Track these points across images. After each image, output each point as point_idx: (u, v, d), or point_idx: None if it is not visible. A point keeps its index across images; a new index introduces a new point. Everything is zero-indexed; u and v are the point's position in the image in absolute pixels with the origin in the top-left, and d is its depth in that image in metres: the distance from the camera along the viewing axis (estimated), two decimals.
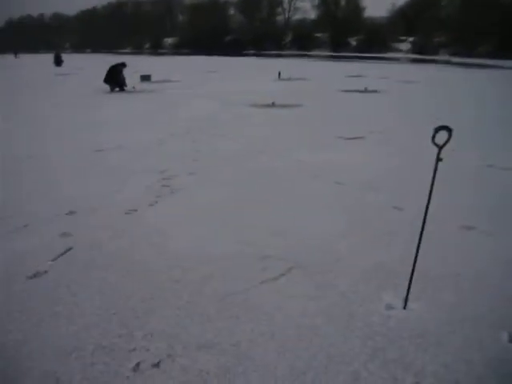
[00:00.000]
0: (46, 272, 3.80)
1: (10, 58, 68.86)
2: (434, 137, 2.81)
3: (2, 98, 16.39)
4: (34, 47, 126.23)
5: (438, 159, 2.90)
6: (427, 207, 3.05)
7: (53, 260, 4.00)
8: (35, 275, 3.75)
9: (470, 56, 59.24)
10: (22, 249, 4.21)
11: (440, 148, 2.86)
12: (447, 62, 49.14)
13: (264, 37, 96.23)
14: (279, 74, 24.88)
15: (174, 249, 4.20)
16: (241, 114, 12.23)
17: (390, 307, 3.26)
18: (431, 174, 2.96)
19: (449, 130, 2.77)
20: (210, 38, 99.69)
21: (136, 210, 5.19)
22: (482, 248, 4.24)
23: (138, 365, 2.71)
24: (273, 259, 3.99)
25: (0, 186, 6.09)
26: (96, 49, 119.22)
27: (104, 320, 3.14)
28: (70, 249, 4.20)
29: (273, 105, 13.88)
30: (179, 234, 4.52)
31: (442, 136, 2.79)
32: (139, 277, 3.72)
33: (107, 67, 18.64)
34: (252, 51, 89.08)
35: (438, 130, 2.79)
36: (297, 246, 4.26)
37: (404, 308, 3.24)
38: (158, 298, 3.41)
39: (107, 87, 18.22)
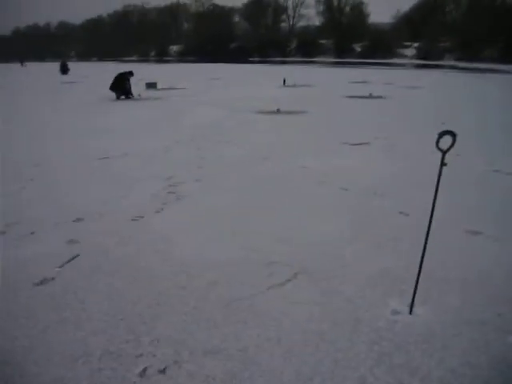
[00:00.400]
0: (53, 279, 3.82)
1: (16, 66, 69.25)
2: (438, 142, 2.82)
3: (9, 106, 16.48)
4: (40, 56, 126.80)
5: (443, 164, 2.91)
6: (432, 212, 3.05)
7: (60, 267, 4.02)
8: (42, 282, 3.77)
9: (475, 61, 59.24)
10: (29, 256, 4.24)
11: (444, 153, 2.87)
12: (452, 67, 49.16)
13: (269, 44, 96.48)
14: (284, 80, 24.92)
15: (179, 255, 4.21)
16: (246, 121, 12.26)
17: (396, 312, 3.26)
18: (436, 179, 2.96)
19: (453, 134, 2.77)
20: (215, 46, 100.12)
21: (142, 217, 5.22)
22: (489, 253, 4.23)
23: (144, 370, 2.72)
24: (278, 265, 4.00)
25: (7, 192, 6.13)
26: (102, 57, 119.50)
27: (111, 326, 3.15)
28: (76, 255, 4.22)
29: (278, 111, 13.90)
30: (185, 241, 4.54)
31: (446, 141, 2.80)
32: (145, 283, 3.74)
33: (112, 75, 18.74)
34: (257, 58, 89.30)
35: (442, 134, 2.79)
36: (302, 251, 4.26)
37: (410, 313, 3.24)
38: (165, 303, 3.43)
39: (113, 95, 18.30)
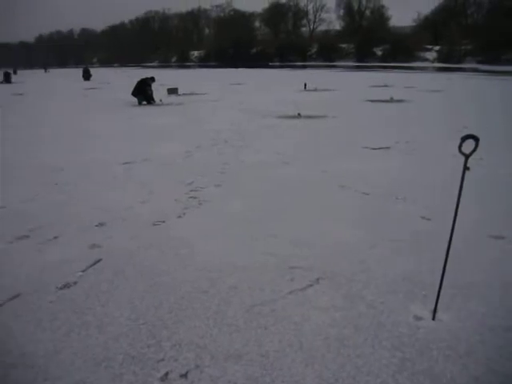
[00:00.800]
0: (75, 283, 3.86)
1: (40, 72, 70.15)
2: (460, 146, 2.80)
3: (34, 111, 16.69)
4: (63, 62, 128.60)
5: (466, 168, 2.88)
6: (455, 216, 3.02)
7: (83, 271, 4.06)
8: (65, 286, 3.81)
9: (497, 64, 58.56)
10: (52, 260, 4.28)
11: (467, 157, 2.85)
12: (474, 70, 48.67)
13: (289, 48, 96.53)
14: (305, 85, 24.89)
15: (201, 260, 4.23)
16: (267, 126, 12.26)
17: (418, 318, 3.23)
18: (458, 183, 2.94)
19: (476, 139, 2.75)
20: (235, 51, 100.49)
21: (164, 222, 5.24)
22: None
23: (166, 375, 2.73)
24: (299, 270, 3.99)
25: (30, 197, 6.20)
26: (123, 63, 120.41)
27: (133, 330, 3.17)
28: (99, 260, 4.26)
29: (299, 116, 13.88)
30: (206, 245, 4.55)
31: (468, 145, 2.77)
32: (167, 287, 3.75)
33: (134, 81, 18.89)
34: (277, 63, 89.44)
35: (464, 138, 2.77)
36: (323, 256, 4.25)
37: (433, 319, 3.21)
38: (186, 308, 3.44)
39: (135, 100, 18.41)
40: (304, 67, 68.90)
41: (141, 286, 3.79)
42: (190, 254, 4.35)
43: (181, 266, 4.11)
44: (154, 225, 5.16)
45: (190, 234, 4.84)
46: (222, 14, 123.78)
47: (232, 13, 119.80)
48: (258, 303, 3.48)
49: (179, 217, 5.41)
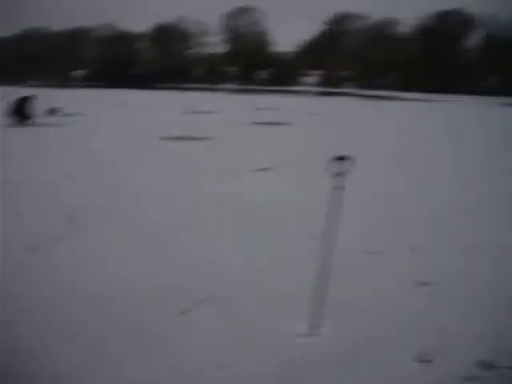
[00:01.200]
0: None
1: None
2: (330, 166, 2.89)
3: None
4: None
5: (338, 187, 2.98)
6: (333, 235, 3.12)
7: None
8: None
9: (374, 88, 61.95)
10: None
11: (338, 177, 2.94)
12: (353, 95, 51.08)
13: (175, 70, 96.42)
14: (189, 107, 24.89)
15: (84, 287, 4.06)
16: (149, 147, 12.13)
17: (299, 335, 3.28)
18: (337, 203, 3.03)
19: (348, 159, 2.86)
20: (120, 71, 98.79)
21: (37, 249, 4.96)
22: (389, 270, 4.40)
23: None
24: (182, 292, 3.94)
25: None
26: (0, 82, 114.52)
27: None
28: None
29: (181, 138, 13.79)
30: (88, 274, 4.39)
31: (343, 165, 2.88)
32: (31, 319, 3.57)
33: (11, 100, 17.95)
34: (163, 84, 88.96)
35: (335, 159, 2.87)
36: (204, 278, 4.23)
37: (314, 335, 3.26)
38: (61, 338, 3.28)
39: (10, 120, 17.39)
40: (189, 89, 68.99)
41: None
42: (67, 280, 4.17)
43: (54, 296, 3.92)
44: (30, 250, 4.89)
45: (71, 263, 4.64)
46: (106, 33, 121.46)
47: (117, 32, 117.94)
48: (142, 327, 3.39)
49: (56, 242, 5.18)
